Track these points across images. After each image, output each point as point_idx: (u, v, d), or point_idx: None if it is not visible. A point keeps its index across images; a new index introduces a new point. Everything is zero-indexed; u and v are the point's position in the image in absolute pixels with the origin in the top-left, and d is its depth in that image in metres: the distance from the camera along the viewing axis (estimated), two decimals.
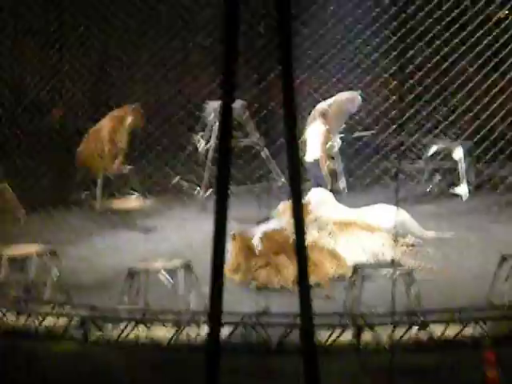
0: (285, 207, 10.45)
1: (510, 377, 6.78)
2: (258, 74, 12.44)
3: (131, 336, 8.04)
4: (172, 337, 7.93)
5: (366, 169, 13.12)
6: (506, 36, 12.38)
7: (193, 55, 14.13)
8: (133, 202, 12.63)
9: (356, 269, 8.39)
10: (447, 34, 12.54)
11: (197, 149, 13.18)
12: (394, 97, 13.64)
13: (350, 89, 13.47)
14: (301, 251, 3.52)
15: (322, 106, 12.97)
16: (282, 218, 10.42)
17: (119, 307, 8.30)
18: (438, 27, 12.55)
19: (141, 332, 8.05)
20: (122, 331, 8.03)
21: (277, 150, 12.65)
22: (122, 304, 8.35)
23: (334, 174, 12.57)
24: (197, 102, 13.53)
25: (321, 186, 11.73)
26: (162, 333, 8.02)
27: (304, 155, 11.92)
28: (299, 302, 3.57)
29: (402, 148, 13.50)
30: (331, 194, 11.49)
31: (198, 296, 8.29)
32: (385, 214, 10.65)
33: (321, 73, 14.12)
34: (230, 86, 3.52)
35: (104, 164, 12.61)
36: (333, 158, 12.68)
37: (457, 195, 12.88)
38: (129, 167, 12.73)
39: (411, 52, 12.49)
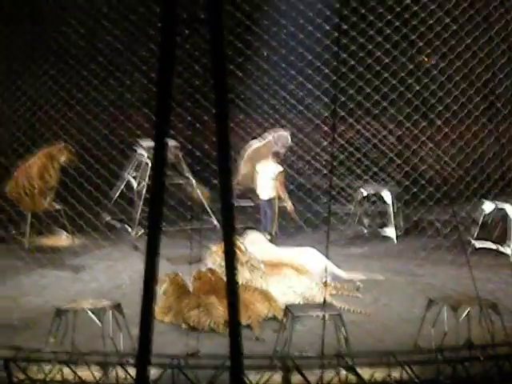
0: (217, 248, 10.46)
1: None
2: (192, 114, 12.47)
3: (57, 377, 7.87)
4: (99, 378, 7.79)
5: (298, 212, 13.24)
6: (435, 86, 12.68)
7: (126, 94, 14.11)
8: (62, 240, 12.45)
9: (287, 311, 8.40)
10: (377, 83, 12.79)
11: (128, 188, 13.12)
12: (326, 141, 13.87)
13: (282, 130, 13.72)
14: (232, 292, 3.52)
15: (253, 146, 13.31)
16: (214, 258, 10.41)
17: (45, 348, 8.13)
18: (369, 76, 12.80)
19: (67, 374, 7.89)
20: (48, 373, 7.86)
21: (209, 191, 12.70)
22: (48, 345, 8.18)
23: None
24: (129, 142, 13.50)
25: (268, 224, 12.16)
26: (90, 374, 7.88)
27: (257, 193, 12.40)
28: (229, 343, 3.57)
29: (333, 192, 13.69)
30: (264, 235, 11.58)
31: (127, 337, 8.18)
32: (312, 257, 10.86)
33: (254, 116, 14.32)
34: (163, 126, 3.53)
35: (33, 201, 12.44)
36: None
37: (387, 238, 13.08)
38: (58, 205, 12.59)
39: (343, 98, 12.69)
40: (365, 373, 7.84)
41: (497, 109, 12.75)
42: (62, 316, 8.29)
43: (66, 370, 7.89)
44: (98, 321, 8.22)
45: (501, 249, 12.08)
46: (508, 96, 12.57)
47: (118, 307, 8.38)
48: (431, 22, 12.56)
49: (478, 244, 12.21)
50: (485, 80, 12.66)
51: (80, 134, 13.63)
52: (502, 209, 12.29)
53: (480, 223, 12.33)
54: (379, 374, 7.84)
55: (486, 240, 12.26)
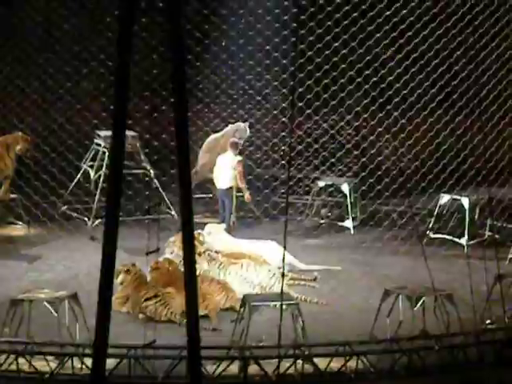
0: (175, 239, 10.44)
1: None
2: (151, 104, 12.41)
3: (12, 368, 7.80)
4: (55, 369, 7.74)
5: (256, 203, 13.26)
6: (391, 77, 12.76)
7: (84, 83, 13.97)
8: (17, 230, 12.32)
9: (244, 301, 8.42)
10: (335, 73, 12.83)
11: (86, 178, 13.01)
12: (283, 133, 13.90)
13: (240, 121, 13.73)
14: (190, 283, 3.52)
15: (211, 137, 13.36)
16: (172, 249, 10.40)
17: (0, 339, 8.05)
18: (327, 66, 12.83)
19: (22, 364, 7.83)
20: (3, 363, 7.79)
21: (168, 181, 12.65)
22: (2, 335, 8.10)
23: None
24: (87, 131, 13.38)
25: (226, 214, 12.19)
26: (46, 365, 7.82)
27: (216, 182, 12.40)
28: (187, 334, 3.57)
29: (291, 183, 13.72)
30: (222, 226, 11.58)
31: (84, 328, 8.13)
32: (271, 248, 10.90)
33: (212, 106, 14.30)
34: (121, 116, 3.50)
35: None
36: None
37: (344, 229, 13.15)
38: (14, 195, 12.45)
39: (300, 89, 12.71)
40: (321, 362, 7.90)
41: (452, 100, 12.86)
42: (17, 306, 8.21)
43: (22, 361, 7.82)
44: (53, 311, 8.16)
45: (456, 239, 12.21)
46: (463, 88, 12.69)
47: (74, 297, 8.33)
48: (388, 13, 12.63)
49: (433, 234, 12.34)
50: (441, 72, 12.77)
51: (36, 123, 13.48)
52: (458, 200, 12.42)
53: (435, 214, 12.45)
54: (335, 363, 7.91)
55: (442, 231, 12.39)
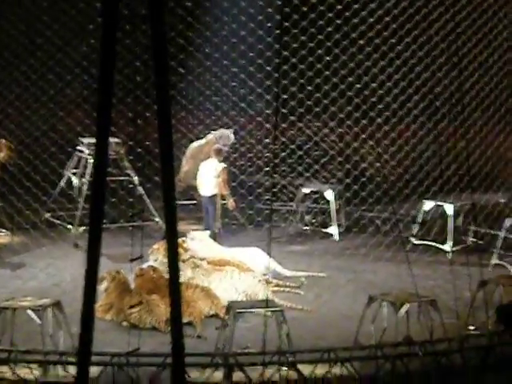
0: (159, 245, 10.42)
1: None
2: (134, 111, 12.38)
3: None
4: (39, 377, 7.69)
5: (240, 210, 13.26)
6: (374, 84, 12.80)
7: (67, 90, 13.93)
8: (1, 238, 12.26)
9: (229, 308, 8.40)
10: (318, 80, 12.86)
11: (69, 185, 12.98)
12: (267, 139, 13.91)
13: (223, 128, 13.74)
14: (174, 290, 3.51)
15: (195, 144, 13.35)
16: (156, 256, 10.37)
17: None
18: (310, 73, 12.86)
19: (5, 372, 7.78)
20: None
21: (152, 188, 12.62)
22: None
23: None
24: (69, 138, 13.34)
25: (210, 221, 12.15)
26: (29, 373, 7.78)
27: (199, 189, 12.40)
28: (171, 341, 3.56)
29: (275, 189, 13.74)
30: (206, 233, 11.57)
31: (67, 336, 8.10)
32: (255, 255, 10.91)
33: (196, 112, 14.30)
34: (105, 122, 3.50)
35: None
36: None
37: (328, 236, 13.18)
38: None
39: (284, 96, 12.73)
40: (306, 369, 7.90)
41: (436, 107, 12.92)
42: (1, 314, 8.16)
43: (5, 369, 7.78)
44: (37, 319, 8.12)
45: (439, 246, 12.26)
46: (446, 95, 12.75)
47: (57, 305, 8.29)
48: (371, 20, 12.67)
49: (416, 241, 12.38)
50: (424, 79, 12.83)
51: (19, 130, 13.42)
52: (441, 206, 12.48)
53: (419, 221, 12.49)
54: (320, 370, 7.90)
55: (425, 238, 12.44)
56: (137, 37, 12.15)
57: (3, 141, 12.72)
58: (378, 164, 13.49)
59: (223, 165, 12.45)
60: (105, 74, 3.45)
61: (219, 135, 13.38)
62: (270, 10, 12.80)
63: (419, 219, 12.52)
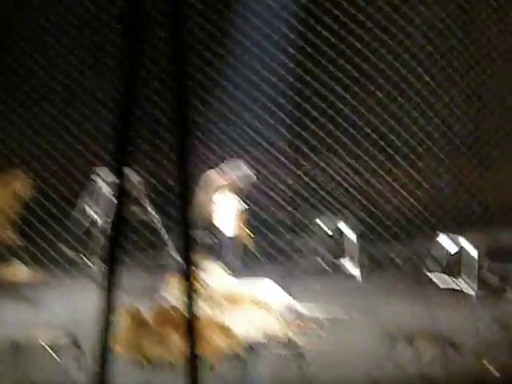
0: (176, 281, 10.38)
1: None
2: (152, 145, 12.43)
3: None
4: None
5: (255, 242, 13.20)
6: (393, 122, 12.82)
7: (85, 122, 13.98)
8: (19, 272, 12.28)
9: (248, 348, 8.33)
10: (338, 118, 12.89)
11: (86, 218, 12.99)
12: (286, 175, 13.91)
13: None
14: (191, 327, 3.48)
15: (210, 174, 13.22)
16: (173, 292, 10.34)
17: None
18: (324, 105, 12.87)
19: None
20: None
21: (172, 225, 12.60)
22: (4, 380, 8.03)
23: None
24: (86, 171, 13.34)
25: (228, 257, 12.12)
26: None
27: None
28: (188, 379, 3.52)
29: (291, 223, 13.70)
30: (219, 264, 11.52)
31: (85, 372, 8.05)
32: (268, 288, 10.85)
33: (210, 143, 14.29)
34: (124, 159, 3.50)
35: None
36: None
37: (346, 273, 13.09)
38: (14, 236, 12.42)
39: (303, 132, 12.75)
40: None
41: (455, 145, 12.90)
42: (19, 351, 8.14)
43: None
44: (55, 355, 8.09)
45: (465, 290, 12.07)
46: (466, 133, 12.74)
47: (75, 342, 8.26)
48: (390, 58, 12.72)
49: (442, 284, 12.21)
50: (444, 116, 12.83)
51: (36, 163, 13.45)
52: (464, 247, 12.31)
53: (444, 265, 12.34)
54: None
55: (450, 278, 12.28)
56: (157, 71, 12.24)
57: (20, 172, 12.73)
58: (396, 201, 13.42)
59: (242, 205, 12.41)
60: (126, 109, 3.46)
61: (235, 166, 13.24)
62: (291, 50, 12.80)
63: (444, 263, 12.35)
